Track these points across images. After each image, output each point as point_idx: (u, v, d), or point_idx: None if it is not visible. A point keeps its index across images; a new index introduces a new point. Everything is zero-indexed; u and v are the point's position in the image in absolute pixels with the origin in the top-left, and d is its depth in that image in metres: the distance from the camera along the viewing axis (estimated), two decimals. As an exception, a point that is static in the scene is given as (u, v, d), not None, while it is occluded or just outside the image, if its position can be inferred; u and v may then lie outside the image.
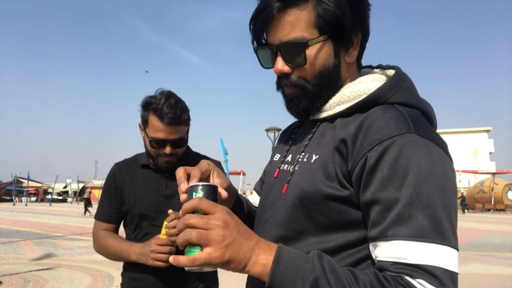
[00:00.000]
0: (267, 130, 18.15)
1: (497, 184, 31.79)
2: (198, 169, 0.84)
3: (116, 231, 1.74)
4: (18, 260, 7.76)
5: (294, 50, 0.82)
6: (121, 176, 1.72)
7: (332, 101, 0.88)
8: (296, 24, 0.81)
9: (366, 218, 0.75)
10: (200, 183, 0.76)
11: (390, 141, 0.72)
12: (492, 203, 31.50)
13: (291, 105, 0.89)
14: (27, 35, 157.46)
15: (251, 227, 0.91)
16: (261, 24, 0.85)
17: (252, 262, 0.69)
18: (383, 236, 0.69)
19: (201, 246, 0.67)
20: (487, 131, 47.65)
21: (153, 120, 1.57)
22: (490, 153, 47.83)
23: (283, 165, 0.95)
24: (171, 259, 0.68)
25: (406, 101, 0.82)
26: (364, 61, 0.97)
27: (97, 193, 60.52)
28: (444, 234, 0.67)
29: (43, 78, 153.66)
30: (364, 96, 0.84)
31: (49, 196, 53.06)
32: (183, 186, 0.79)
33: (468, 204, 34.00)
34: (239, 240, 0.68)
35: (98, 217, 1.74)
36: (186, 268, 0.69)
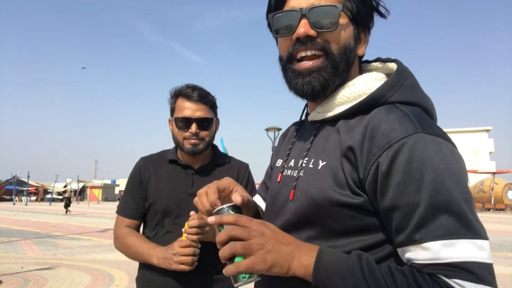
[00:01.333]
0: (267, 130, 18.14)
1: (497, 184, 31.78)
2: (215, 190, 0.87)
3: (138, 228, 1.70)
4: (18, 259, 7.76)
5: (326, 14, 0.80)
6: (147, 170, 1.69)
7: (331, 101, 0.86)
8: None
9: (388, 223, 0.74)
10: (225, 206, 0.81)
11: (400, 144, 0.70)
12: (492, 202, 31.50)
13: (307, 80, 0.83)
14: (26, 35, 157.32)
15: None
16: None
17: (295, 264, 0.72)
18: (411, 241, 0.69)
19: (244, 257, 0.72)
20: (487, 130, 47.64)
21: (180, 101, 1.64)
22: (490, 152, 47.79)
23: (286, 170, 0.94)
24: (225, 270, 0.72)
25: (407, 99, 0.81)
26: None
27: (96, 193, 60.55)
28: (472, 228, 0.67)
29: (43, 77, 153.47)
30: (364, 96, 0.83)
31: (49, 196, 53.09)
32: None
33: (468, 203, 33.85)
34: (278, 246, 0.72)
35: (121, 212, 1.69)
36: (235, 285, 0.74)
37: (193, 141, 1.62)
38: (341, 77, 0.84)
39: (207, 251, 1.49)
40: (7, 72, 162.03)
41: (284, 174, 0.94)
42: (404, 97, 0.81)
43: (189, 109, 1.61)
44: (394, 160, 0.70)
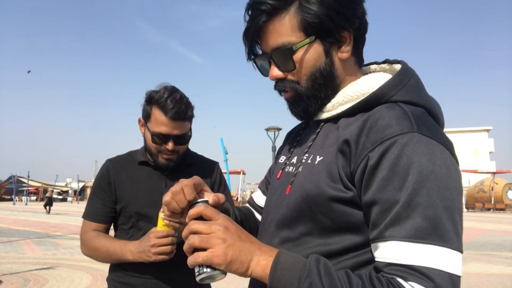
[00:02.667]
0: (267, 130, 18.14)
1: (497, 184, 31.78)
2: (192, 188, 0.88)
3: (106, 232, 1.64)
4: (18, 259, 7.76)
5: (282, 56, 0.84)
6: (115, 172, 1.63)
7: (335, 101, 0.87)
8: (281, 31, 0.82)
9: (367, 219, 0.74)
10: (200, 200, 0.82)
11: (392, 141, 0.70)
12: (492, 202, 31.50)
13: (291, 108, 0.91)
14: (27, 34, 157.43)
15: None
16: (252, 36, 0.87)
17: (253, 263, 0.72)
18: (381, 237, 0.69)
19: (205, 250, 0.72)
20: (487, 130, 47.63)
21: (157, 114, 1.52)
22: (490, 152, 47.79)
23: (287, 167, 0.95)
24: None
25: (410, 99, 0.80)
26: (371, 60, 0.96)
27: (97, 193, 60.34)
28: (444, 235, 0.65)
29: (43, 77, 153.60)
30: (368, 94, 0.83)
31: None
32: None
33: (468, 203, 34.03)
34: (240, 242, 0.72)
35: (87, 216, 1.63)
36: (197, 279, 0.73)
37: (168, 156, 1.57)
38: (322, 97, 0.87)
39: (182, 244, 1.44)
40: (7, 72, 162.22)
41: (285, 170, 0.95)
42: (407, 96, 0.80)
43: (167, 126, 1.51)
44: (383, 156, 0.70)
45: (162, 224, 1.40)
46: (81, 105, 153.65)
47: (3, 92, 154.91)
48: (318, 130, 0.90)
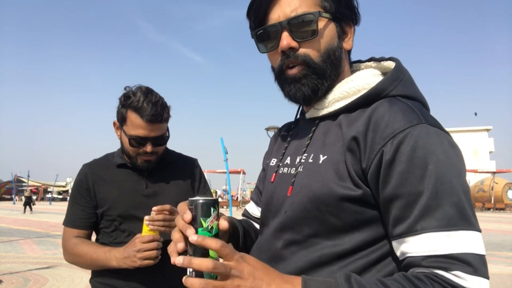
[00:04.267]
0: (267, 129, 18.13)
1: (497, 183, 31.75)
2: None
3: (89, 238, 1.62)
4: (18, 259, 7.76)
5: (304, 23, 0.81)
6: (93, 177, 1.60)
7: (331, 97, 0.86)
8: (303, 1, 0.83)
9: (387, 214, 0.73)
10: (210, 199, 0.73)
11: (404, 134, 0.71)
12: (492, 202, 31.49)
13: (297, 86, 0.84)
14: (27, 34, 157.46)
15: (249, 247, 0.96)
16: (266, 4, 0.84)
17: None
18: (412, 231, 0.68)
19: None
20: (487, 130, 47.63)
21: (133, 117, 1.48)
22: (490, 152, 47.77)
23: (282, 168, 0.92)
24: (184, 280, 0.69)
25: (407, 93, 0.81)
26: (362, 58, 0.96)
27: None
28: (469, 219, 0.68)
29: (44, 77, 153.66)
30: (365, 91, 0.83)
31: (49, 195, 53.09)
32: (190, 232, 0.71)
33: (468, 203, 33.88)
34: (256, 284, 0.66)
35: (68, 223, 1.60)
36: None
37: (147, 158, 1.54)
38: (330, 78, 0.85)
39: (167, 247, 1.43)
40: (7, 72, 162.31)
41: (280, 172, 0.92)
42: (404, 91, 0.82)
43: (144, 128, 1.48)
44: (399, 149, 0.70)
45: (147, 229, 1.40)
46: (81, 105, 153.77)
47: (3, 92, 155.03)
48: (314, 128, 0.88)
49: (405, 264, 0.70)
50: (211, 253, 0.69)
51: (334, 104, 0.86)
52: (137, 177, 1.62)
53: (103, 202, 1.57)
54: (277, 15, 0.83)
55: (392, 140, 0.71)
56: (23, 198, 34.62)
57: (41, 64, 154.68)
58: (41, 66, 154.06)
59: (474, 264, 0.64)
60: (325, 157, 0.81)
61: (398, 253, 0.73)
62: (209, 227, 0.72)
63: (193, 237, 0.68)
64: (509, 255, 8.78)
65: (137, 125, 1.49)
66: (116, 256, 1.43)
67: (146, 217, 1.40)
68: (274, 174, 0.94)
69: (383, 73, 0.91)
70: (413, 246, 0.68)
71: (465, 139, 46.24)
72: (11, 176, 51.92)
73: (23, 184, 53.61)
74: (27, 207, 25.31)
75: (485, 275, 0.65)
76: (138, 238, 1.41)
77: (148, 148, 1.51)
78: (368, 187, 0.75)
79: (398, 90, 0.81)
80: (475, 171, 36.57)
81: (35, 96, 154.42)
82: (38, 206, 35.44)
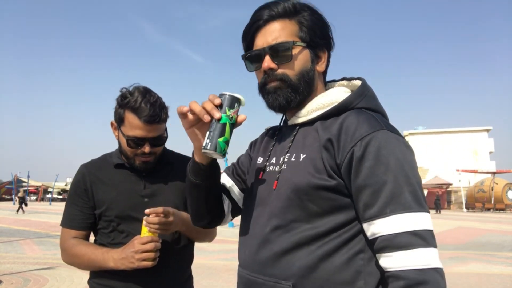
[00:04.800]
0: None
1: (497, 184, 31.79)
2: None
3: (87, 239, 1.61)
4: (18, 259, 7.76)
5: (282, 50, 1.01)
6: (91, 177, 1.59)
7: (309, 107, 1.05)
8: (283, 31, 1.02)
9: (358, 201, 0.90)
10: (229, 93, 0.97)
11: (370, 136, 0.90)
12: (492, 202, 31.51)
13: (274, 96, 1.03)
14: (28, 33, 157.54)
15: (213, 189, 1.11)
16: (253, 32, 1.06)
17: None
18: (382, 214, 0.86)
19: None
20: (487, 130, 47.60)
21: (131, 118, 1.48)
22: (490, 152, 47.71)
23: (268, 167, 1.08)
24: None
25: (370, 106, 1.02)
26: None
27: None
28: (422, 204, 0.87)
29: (44, 77, 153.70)
30: (336, 103, 1.03)
31: (49, 195, 53.12)
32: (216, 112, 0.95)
33: (468, 203, 34.03)
34: None
35: (66, 224, 1.60)
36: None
37: (145, 158, 1.54)
38: (303, 93, 1.03)
39: (165, 249, 1.46)
40: (7, 72, 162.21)
41: (267, 170, 1.08)
42: (368, 104, 1.02)
43: (142, 129, 1.47)
44: (367, 148, 0.89)
45: (146, 230, 1.40)
46: (82, 105, 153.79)
47: (3, 92, 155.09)
48: (295, 133, 1.06)
49: (377, 242, 0.87)
50: (226, 133, 0.94)
51: (312, 114, 1.05)
52: (135, 177, 1.61)
53: (100, 203, 1.56)
54: (261, 42, 1.04)
55: (361, 141, 0.90)
56: (16, 198, 34.93)
57: (41, 64, 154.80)
58: (41, 66, 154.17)
59: (427, 238, 0.84)
60: (305, 155, 0.98)
61: (368, 234, 0.89)
62: (230, 116, 0.95)
63: (217, 114, 0.93)
64: (509, 255, 8.78)
65: (134, 125, 1.48)
66: (114, 257, 1.43)
67: (145, 218, 1.40)
68: (262, 172, 1.09)
69: (352, 91, 1.10)
70: (384, 226, 0.85)
71: (465, 139, 46.24)
72: (11, 176, 52.00)
73: (23, 184, 53.57)
74: (20, 208, 25.58)
75: (434, 245, 0.85)
76: (136, 239, 1.41)
77: (146, 149, 1.51)
78: (341, 178, 0.92)
79: (362, 103, 1.02)
80: (475, 172, 36.61)
81: (35, 96, 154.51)
82: (38, 206, 35.42)
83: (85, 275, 6.35)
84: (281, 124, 1.20)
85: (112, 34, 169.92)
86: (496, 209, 31.62)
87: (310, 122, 1.05)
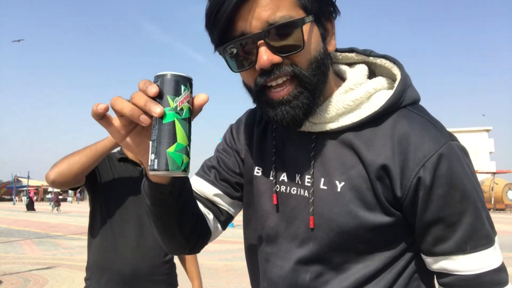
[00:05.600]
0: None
1: (497, 184, 31.74)
2: None
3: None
4: (18, 259, 7.76)
5: (286, 32, 0.66)
6: (100, 165, 1.74)
7: (332, 111, 0.75)
8: (280, 3, 0.66)
9: (426, 235, 0.73)
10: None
11: (437, 156, 0.70)
12: (492, 202, 31.46)
13: (286, 109, 0.70)
14: (29, 34, 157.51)
15: (184, 211, 0.78)
16: (231, 12, 0.66)
17: None
18: (460, 251, 0.71)
19: None
20: (487, 130, 47.61)
21: None
22: (490, 152, 47.71)
23: (279, 186, 0.82)
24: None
25: (413, 100, 0.78)
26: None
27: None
28: (493, 227, 0.73)
29: (45, 76, 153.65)
30: (366, 101, 0.76)
31: (49, 196, 53.06)
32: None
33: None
34: None
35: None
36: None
37: None
38: (321, 92, 0.73)
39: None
40: (8, 72, 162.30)
41: (281, 192, 0.81)
42: (411, 99, 0.78)
43: None
44: (435, 173, 0.69)
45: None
46: (82, 105, 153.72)
47: (3, 92, 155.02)
48: (313, 145, 0.77)
49: (450, 279, 0.73)
50: (179, 137, 0.60)
51: (338, 120, 0.75)
52: (135, 172, 1.80)
53: (104, 187, 1.74)
54: (250, 24, 0.66)
55: (425, 164, 0.69)
56: (23, 199, 35.92)
57: (41, 63, 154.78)
58: (42, 66, 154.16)
59: (506, 270, 0.73)
60: (343, 183, 0.73)
61: (435, 267, 0.75)
62: (179, 108, 0.60)
63: (157, 110, 0.58)
64: (509, 255, 8.77)
65: None
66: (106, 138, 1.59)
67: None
68: (274, 194, 0.82)
69: (374, 73, 0.84)
70: (464, 265, 0.71)
71: (465, 139, 46.12)
72: (11, 176, 51.97)
73: (23, 184, 53.55)
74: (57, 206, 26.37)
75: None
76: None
77: None
78: (402, 212, 0.74)
79: (406, 99, 0.76)
80: (475, 172, 36.49)
81: (36, 96, 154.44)
82: (38, 206, 35.42)
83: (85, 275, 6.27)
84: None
85: (115, 34, 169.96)
86: (496, 209, 31.59)
87: (335, 132, 0.76)
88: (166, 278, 1.77)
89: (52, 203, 27.71)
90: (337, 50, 0.85)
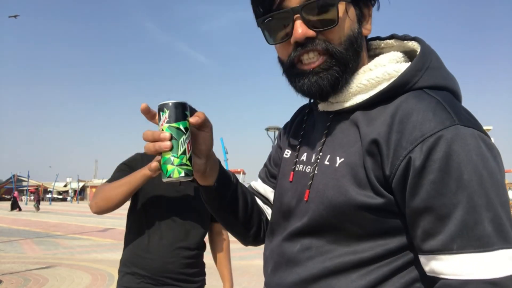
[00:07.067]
0: (267, 129, 18.15)
1: (497, 184, 31.74)
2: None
3: None
4: (18, 259, 7.76)
5: (322, 8, 0.71)
6: (142, 165, 1.80)
7: (347, 90, 0.76)
8: None
9: (415, 227, 0.66)
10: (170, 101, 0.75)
11: (435, 137, 0.62)
12: (492, 202, 31.48)
13: (314, 79, 0.73)
14: (29, 33, 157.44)
15: (235, 206, 0.92)
16: None
17: None
18: (447, 249, 0.61)
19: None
20: (487, 130, 47.57)
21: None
22: (490, 152, 47.83)
23: (298, 165, 0.84)
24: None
25: (435, 83, 0.72)
26: None
27: (97, 192, 60.43)
28: (508, 236, 0.60)
29: (45, 77, 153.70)
30: (386, 82, 0.74)
31: (49, 195, 53.10)
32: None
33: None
34: None
35: (109, 180, 1.81)
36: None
37: None
38: (352, 70, 0.76)
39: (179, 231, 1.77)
40: (8, 72, 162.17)
41: (296, 170, 0.84)
42: (431, 81, 0.72)
43: None
44: (430, 155, 0.62)
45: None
46: (82, 105, 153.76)
47: (3, 92, 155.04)
48: (328, 124, 0.80)
49: (438, 285, 0.63)
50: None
51: (351, 99, 0.76)
52: None
53: (143, 188, 1.75)
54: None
55: (421, 145, 0.63)
56: (23, 198, 36.43)
57: (41, 64, 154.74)
58: (42, 66, 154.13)
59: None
60: (342, 159, 0.73)
61: (427, 269, 0.66)
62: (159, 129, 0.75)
63: (167, 143, 0.72)
64: (509, 255, 8.77)
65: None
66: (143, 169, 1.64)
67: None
68: (292, 172, 0.85)
69: (407, 55, 0.82)
70: (449, 267, 0.61)
71: (465, 139, 46.16)
72: (11, 176, 51.94)
73: (23, 184, 53.54)
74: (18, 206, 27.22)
75: None
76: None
77: None
78: (393, 194, 0.68)
79: (424, 81, 0.71)
80: (505, 171, 36.49)
81: (36, 96, 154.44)
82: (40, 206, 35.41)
83: (86, 275, 6.33)
84: (311, 104, 0.91)
85: (116, 33, 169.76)
86: (496, 209, 31.58)
87: (349, 111, 0.77)
88: (193, 277, 1.86)
89: (34, 203, 28.33)
90: (379, 38, 0.86)
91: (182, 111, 0.74)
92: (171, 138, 0.73)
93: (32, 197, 42.06)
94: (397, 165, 0.65)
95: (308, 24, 0.71)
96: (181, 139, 0.73)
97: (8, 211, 25.99)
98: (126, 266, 1.80)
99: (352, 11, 0.74)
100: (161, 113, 0.74)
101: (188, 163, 0.74)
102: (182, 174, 0.73)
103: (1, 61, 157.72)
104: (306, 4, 0.70)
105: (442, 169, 0.62)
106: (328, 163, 0.75)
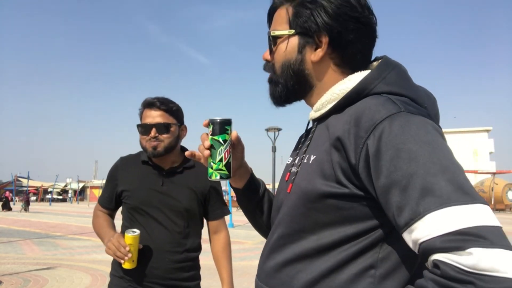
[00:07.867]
0: (267, 130, 18.14)
1: (497, 184, 31.75)
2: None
3: (110, 215, 1.99)
4: (18, 259, 7.76)
5: (270, 41, 0.95)
6: (123, 170, 1.92)
7: (323, 99, 0.91)
8: (277, 19, 0.95)
9: (387, 207, 0.70)
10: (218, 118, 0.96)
11: (384, 123, 0.72)
12: (492, 203, 31.46)
13: (270, 86, 0.98)
14: (29, 33, 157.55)
15: (260, 209, 1.10)
16: (268, 18, 1.01)
17: None
18: (416, 216, 0.64)
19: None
20: (487, 131, 47.62)
21: (145, 111, 1.86)
22: (490, 153, 47.69)
23: (292, 168, 0.97)
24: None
25: (391, 90, 0.81)
26: None
27: (97, 193, 60.56)
28: (470, 193, 0.63)
29: (45, 77, 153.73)
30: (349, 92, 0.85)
31: (49, 196, 53.12)
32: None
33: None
34: None
35: (98, 200, 2.02)
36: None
37: (152, 143, 1.80)
38: (292, 88, 0.94)
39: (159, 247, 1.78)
40: (8, 71, 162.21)
41: (291, 171, 0.97)
42: (388, 88, 0.81)
43: (150, 116, 1.83)
44: (381, 138, 0.71)
45: (129, 243, 1.66)
46: (82, 105, 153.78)
47: (3, 91, 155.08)
48: (313, 130, 0.94)
49: (422, 251, 0.65)
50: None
51: (326, 106, 0.90)
52: (157, 174, 1.87)
53: (124, 192, 1.87)
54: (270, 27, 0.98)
55: (374, 131, 0.72)
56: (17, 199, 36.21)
57: (42, 64, 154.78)
58: (42, 66, 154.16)
59: (490, 237, 0.58)
60: (314, 157, 0.86)
61: (411, 245, 0.68)
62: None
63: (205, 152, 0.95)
64: (509, 256, 8.76)
65: (144, 115, 1.86)
66: (107, 238, 1.75)
67: (126, 232, 1.70)
68: (288, 173, 0.99)
69: None
70: (423, 230, 0.63)
71: (465, 140, 46.23)
72: (11, 176, 51.98)
73: (23, 184, 53.55)
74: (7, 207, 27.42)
75: (506, 246, 0.58)
76: (119, 238, 1.69)
77: (152, 133, 1.79)
78: (361, 181, 0.75)
79: (380, 87, 0.82)
80: (475, 172, 36.58)
81: (36, 96, 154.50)
82: (38, 206, 35.46)
83: (85, 275, 6.34)
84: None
85: (116, 34, 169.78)
86: (496, 210, 31.59)
87: (325, 117, 0.90)
88: (184, 282, 1.82)
89: (22, 203, 28.15)
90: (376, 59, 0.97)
91: (223, 126, 0.93)
92: (210, 147, 0.93)
93: (21, 198, 42.19)
94: (359, 153, 0.75)
95: (270, 49, 0.96)
96: (219, 149, 0.92)
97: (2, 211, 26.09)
98: (115, 270, 1.83)
99: (290, 43, 0.92)
100: (209, 126, 0.95)
101: (224, 168, 0.93)
102: (218, 177, 0.93)
103: (1, 61, 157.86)
104: (268, 35, 0.96)
105: (393, 147, 0.69)
106: (306, 161, 0.89)
